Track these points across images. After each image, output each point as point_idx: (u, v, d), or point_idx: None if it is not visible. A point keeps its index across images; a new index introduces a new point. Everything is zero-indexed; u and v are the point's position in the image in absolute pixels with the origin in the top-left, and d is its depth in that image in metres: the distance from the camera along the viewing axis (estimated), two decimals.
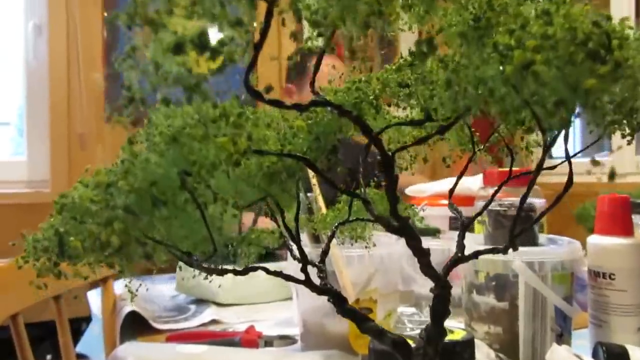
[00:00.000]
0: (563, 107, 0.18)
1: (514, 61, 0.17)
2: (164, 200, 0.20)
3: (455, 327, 0.65)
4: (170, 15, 0.16)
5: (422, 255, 0.28)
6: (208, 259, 0.26)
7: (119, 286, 1.11)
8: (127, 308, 0.91)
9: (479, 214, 0.36)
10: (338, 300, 0.32)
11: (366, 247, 0.41)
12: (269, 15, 0.17)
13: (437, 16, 0.24)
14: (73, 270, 0.32)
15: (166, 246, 0.25)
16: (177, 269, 1.11)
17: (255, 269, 0.31)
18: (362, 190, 0.30)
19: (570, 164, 0.30)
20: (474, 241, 0.79)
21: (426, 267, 0.28)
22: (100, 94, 1.93)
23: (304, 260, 0.32)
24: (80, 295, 1.29)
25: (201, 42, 0.16)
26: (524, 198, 0.31)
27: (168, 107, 0.19)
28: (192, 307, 1.04)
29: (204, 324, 0.93)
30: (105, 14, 2.20)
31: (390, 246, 0.76)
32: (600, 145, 2.31)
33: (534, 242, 0.76)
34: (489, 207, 0.80)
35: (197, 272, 0.87)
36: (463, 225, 0.34)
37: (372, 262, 0.75)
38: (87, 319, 1.57)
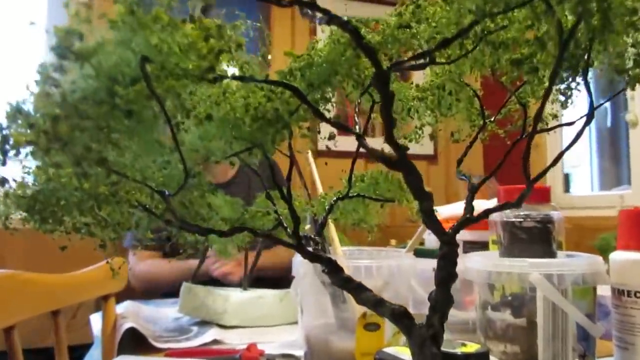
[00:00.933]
0: None
1: None
2: (124, 97, 0.18)
3: (469, 342, 0.60)
4: None
5: (424, 199, 0.25)
6: (180, 189, 0.24)
7: (120, 307, 1.08)
8: (127, 325, 0.88)
9: (491, 175, 0.33)
10: (332, 268, 0.29)
11: (369, 232, 0.38)
12: None
13: None
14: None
15: (134, 181, 0.22)
16: (182, 290, 1.08)
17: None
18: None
19: (592, 105, 0.27)
20: (490, 258, 0.75)
21: (427, 216, 0.25)
22: None
23: (296, 224, 0.30)
24: (82, 318, 1.26)
25: None
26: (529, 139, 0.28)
27: None
28: (195, 328, 1.00)
29: (205, 344, 0.89)
30: None
31: (399, 259, 0.73)
32: (620, 179, 2.26)
33: (551, 257, 0.72)
34: (504, 220, 0.76)
35: (202, 295, 0.82)
36: (472, 189, 0.31)
37: (380, 274, 0.71)
38: (90, 346, 1.53)
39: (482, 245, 1.07)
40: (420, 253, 0.93)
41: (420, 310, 0.99)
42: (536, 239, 0.71)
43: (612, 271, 0.73)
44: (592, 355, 0.68)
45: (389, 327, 0.72)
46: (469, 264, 0.73)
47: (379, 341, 0.70)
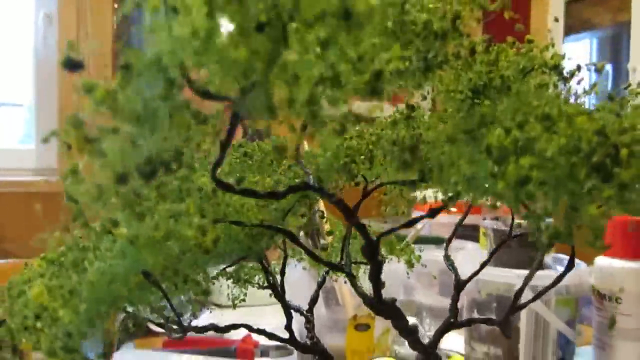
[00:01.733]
0: (561, 237, 0.16)
1: (507, 177, 0.15)
2: (126, 294, 0.19)
3: (453, 352, 0.63)
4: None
5: (409, 334, 0.26)
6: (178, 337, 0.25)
7: None
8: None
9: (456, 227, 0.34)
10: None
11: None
12: (235, 119, 0.16)
13: (433, 84, 0.22)
14: None
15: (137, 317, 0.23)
16: None
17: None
18: (348, 261, 0.28)
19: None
20: (478, 257, 0.78)
21: (414, 343, 0.27)
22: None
23: (288, 320, 0.31)
24: None
25: (150, 170, 0.14)
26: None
27: (116, 228, 0.17)
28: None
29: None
30: (116, 5, 2.20)
31: (392, 263, 0.75)
32: None
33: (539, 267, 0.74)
34: (494, 227, 0.78)
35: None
36: (458, 286, 0.32)
37: None
38: None
39: (473, 228, 1.09)
40: (419, 242, 0.96)
41: (409, 296, 1.03)
42: (525, 249, 0.73)
43: (596, 275, 0.76)
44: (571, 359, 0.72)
45: (378, 327, 0.75)
46: (457, 265, 0.75)
47: (368, 340, 0.73)
